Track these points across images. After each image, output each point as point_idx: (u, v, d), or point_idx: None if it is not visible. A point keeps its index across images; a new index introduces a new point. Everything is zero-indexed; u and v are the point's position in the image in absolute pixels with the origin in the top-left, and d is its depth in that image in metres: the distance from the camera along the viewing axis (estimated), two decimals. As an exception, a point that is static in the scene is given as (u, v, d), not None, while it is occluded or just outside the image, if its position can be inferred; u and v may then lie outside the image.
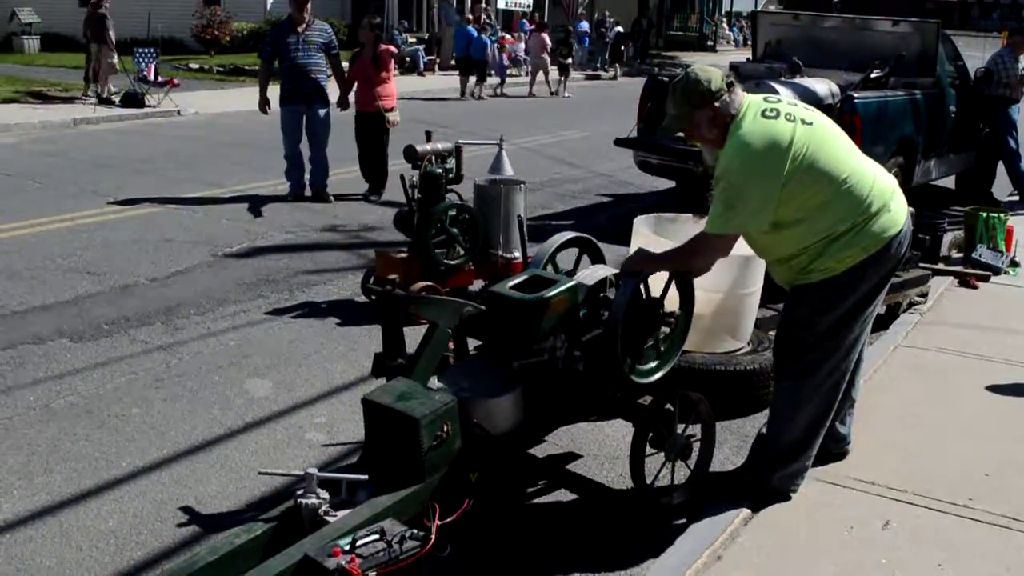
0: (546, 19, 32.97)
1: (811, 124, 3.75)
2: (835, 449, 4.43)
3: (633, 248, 4.78)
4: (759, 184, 3.65)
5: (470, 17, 24.81)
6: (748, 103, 3.77)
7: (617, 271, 4.15)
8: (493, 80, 24.07)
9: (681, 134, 4.02)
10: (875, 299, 3.95)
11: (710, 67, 3.86)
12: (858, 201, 3.75)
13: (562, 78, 24.88)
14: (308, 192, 10.23)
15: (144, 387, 5.35)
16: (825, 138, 3.77)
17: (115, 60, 17.51)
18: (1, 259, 7.62)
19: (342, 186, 10.48)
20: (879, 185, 3.83)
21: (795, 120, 3.72)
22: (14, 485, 4.25)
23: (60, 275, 7.29)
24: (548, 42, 24.99)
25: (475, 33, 22.87)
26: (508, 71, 27.09)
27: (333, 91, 10.18)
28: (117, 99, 17.17)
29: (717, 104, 3.72)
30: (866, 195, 3.76)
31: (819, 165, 3.68)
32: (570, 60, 25.57)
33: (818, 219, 3.73)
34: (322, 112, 10.04)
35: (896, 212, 3.86)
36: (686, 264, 4.00)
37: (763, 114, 3.72)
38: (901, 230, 3.86)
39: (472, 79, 22.76)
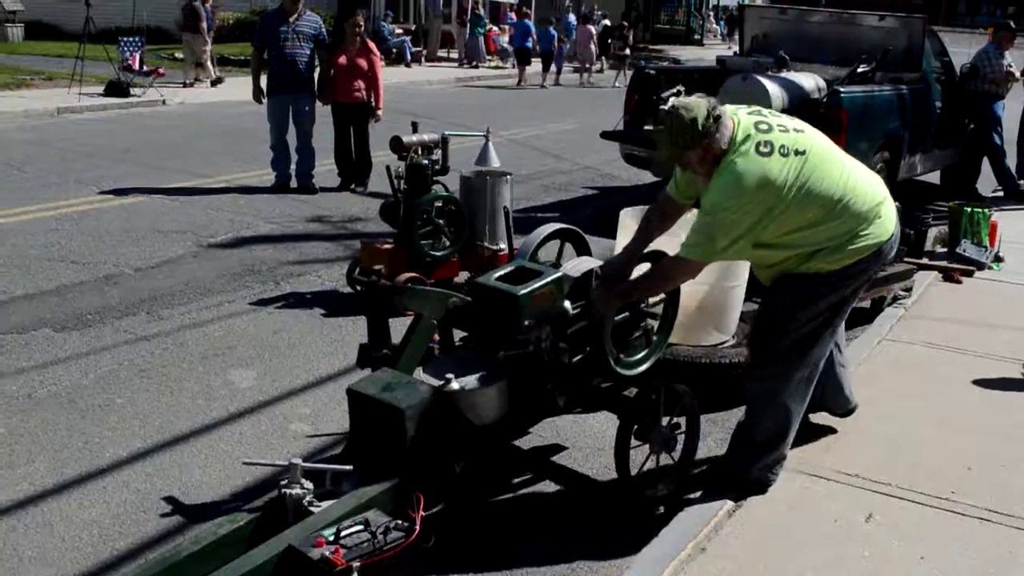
0: (533, 10, 32.99)
1: (804, 153, 3.69)
2: (838, 411, 4.67)
3: (619, 242, 4.79)
4: (746, 221, 3.63)
5: (527, 11, 26.57)
6: (739, 132, 3.67)
7: (603, 263, 4.16)
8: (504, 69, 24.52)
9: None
10: (855, 297, 4.03)
11: (695, 101, 3.69)
12: (851, 219, 3.79)
13: (618, 70, 26.06)
14: (294, 183, 10.20)
15: (128, 377, 5.32)
16: (819, 163, 3.71)
17: (208, 49, 18.97)
18: (-16, 248, 7.58)
19: (328, 177, 10.44)
20: (870, 196, 3.86)
21: (789, 154, 3.65)
22: (-4, 475, 4.24)
23: (43, 264, 7.24)
24: (594, 34, 26.17)
25: (531, 26, 24.58)
26: (494, 63, 27.43)
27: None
28: (207, 84, 19.12)
29: (706, 141, 3.63)
30: (858, 212, 3.79)
31: (814, 192, 3.68)
32: (627, 51, 26.92)
33: (809, 237, 3.77)
34: (308, 103, 10.00)
35: (886, 219, 3.91)
36: (658, 291, 4.04)
37: (757, 150, 3.63)
38: (892, 235, 3.93)
39: (527, 68, 24.64)
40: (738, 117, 3.73)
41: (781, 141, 3.69)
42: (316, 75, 10.15)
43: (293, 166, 10.20)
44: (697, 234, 3.72)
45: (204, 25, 18.78)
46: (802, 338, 3.95)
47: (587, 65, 26.40)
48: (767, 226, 3.67)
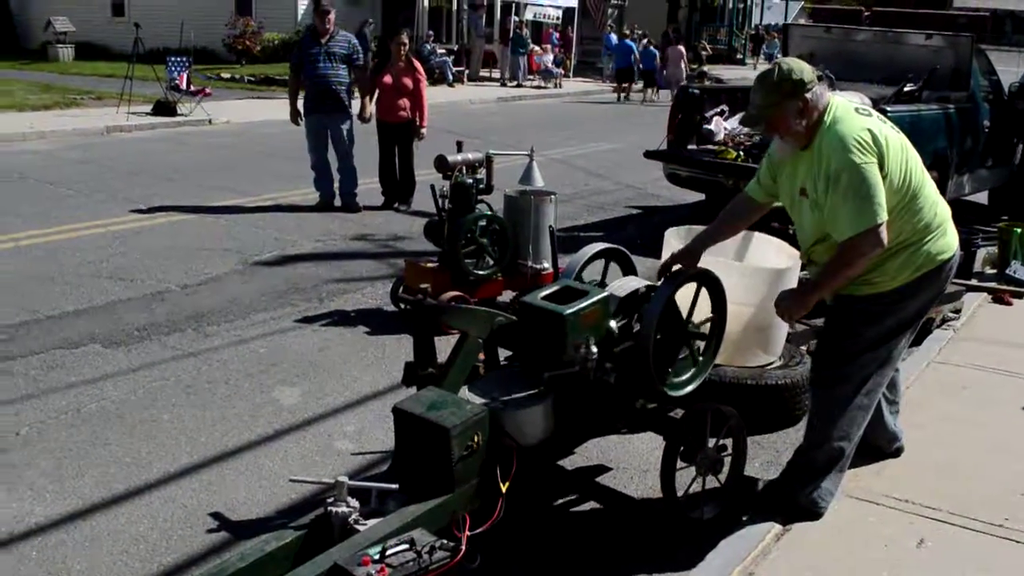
0: (575, 31, 33.11)
1: (898, 134, 3.82)
2: (888, 448, 4.55)
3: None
4: (874, 170, 3.61)
5: (627, 32, 28.10)
6: (836, 103, 3.77)
7: (650, 283, 4.14)
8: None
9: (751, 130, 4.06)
10: (919, 319, 4.00)
11: (800, 60, 3.83)
12: (921, 219, 3.79)
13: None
14: (337, 201, 10.26)
15: (174, 393, 5.37)
16: (906, 150, 3.80)
17: None
18: (35, 264, 7.70)
19: (372, 195, 10.51)
20: (940, 208, 3.89)
21: (886, 123, 3.80)
22: (46, 489, 4.28)
23: (93, 281, 7.35)
24: (684, 54, 27.15)
25: (634, 46, 26.30)
26: (536, 83, 27.73)
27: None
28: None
29: (808, 95, 3.68)
30: (928, 215, 3.81)
31: (903, 170, 3.72)
32: (704, 68, 28.56)
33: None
34: (344, 123, 10.05)
35: (951, 237, 3.92)
36: (847, 276, 3.82)
37: (856, 111, 3.77)
38: (953, 256, 3.92)
39: (625, 85, 26.88)
40: (836, 98, 3.83)
41: (876, 113, 3.84)
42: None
43: (336, 185, 10.27)
44: (851, 202, 3.61)
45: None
46: (863, 360, 3.94)
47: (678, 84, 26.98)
48: None
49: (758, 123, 3.95)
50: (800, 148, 3.79)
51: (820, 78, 3.78)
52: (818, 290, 3.91)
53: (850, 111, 3.74)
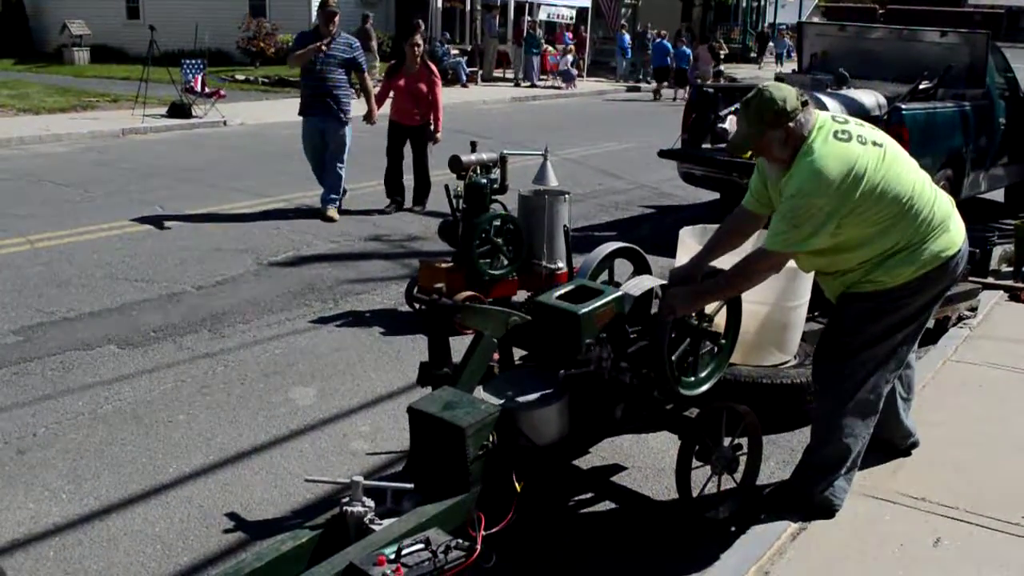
0: (588, 31, 33.11)
1: (881, 145, 3.72)
2: (902, 445, 4.53)
3: (680, 260, 4.75)
4: (829, 206, 3.58)
5: (664, 32, 28.74)
6: (819, 124, 3.70)
7: (664, 282, 4.13)
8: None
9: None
10: (924, 315, 3.95)
11: (783, 84, 3.78)
12: (921, 220, 3.74)
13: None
14: (347, 203, 10.19)
15: (190, 394, 5.39)
16: (893, 158, 3.73)
17: (376, 68, 20.84)
18: (51, 266, 7.74)
19: (380, 197, 10.51)
20: (940, 204, 3.83)
21: (867, 143, 3.68)
22: (63, 489, 4.30)
23: (108, 282, 7.38)
24: (711, 56, 27.49)
25: (670, 47, 27.27)
26: (549, 83, 27.77)
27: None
28: None
29: (791, 124, 3.63)
30: (928, 215, 3.75)
31: (888, 186, 3.65)
32: (721, 68, 29.00)
33: (882, 237, 3.72)
34: (339, 128, 9.70)
35: (955, 233, 3.86)
36: (740, 288, 3.93)
37: (835, 136, 3.66)
38: (959, 251, 3.86)
39: (663, 83, 27.83)
40: (816, 113, 3.75)
41: (858, 132, 3.72)
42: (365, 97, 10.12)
43: (345, 184, 10.14)
44: (781, 222, 3.66)
45: (373, 44, 21.06)
46: (866, 357, 3.90)
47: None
48: (847, 216, 3.62)
49: (742, 151, 3.91)
50: (786, 169, 3.74)
51: (805, 103, 3.69)
52: (713, 294, 3.93)
53: (828, 138, 3.64)
